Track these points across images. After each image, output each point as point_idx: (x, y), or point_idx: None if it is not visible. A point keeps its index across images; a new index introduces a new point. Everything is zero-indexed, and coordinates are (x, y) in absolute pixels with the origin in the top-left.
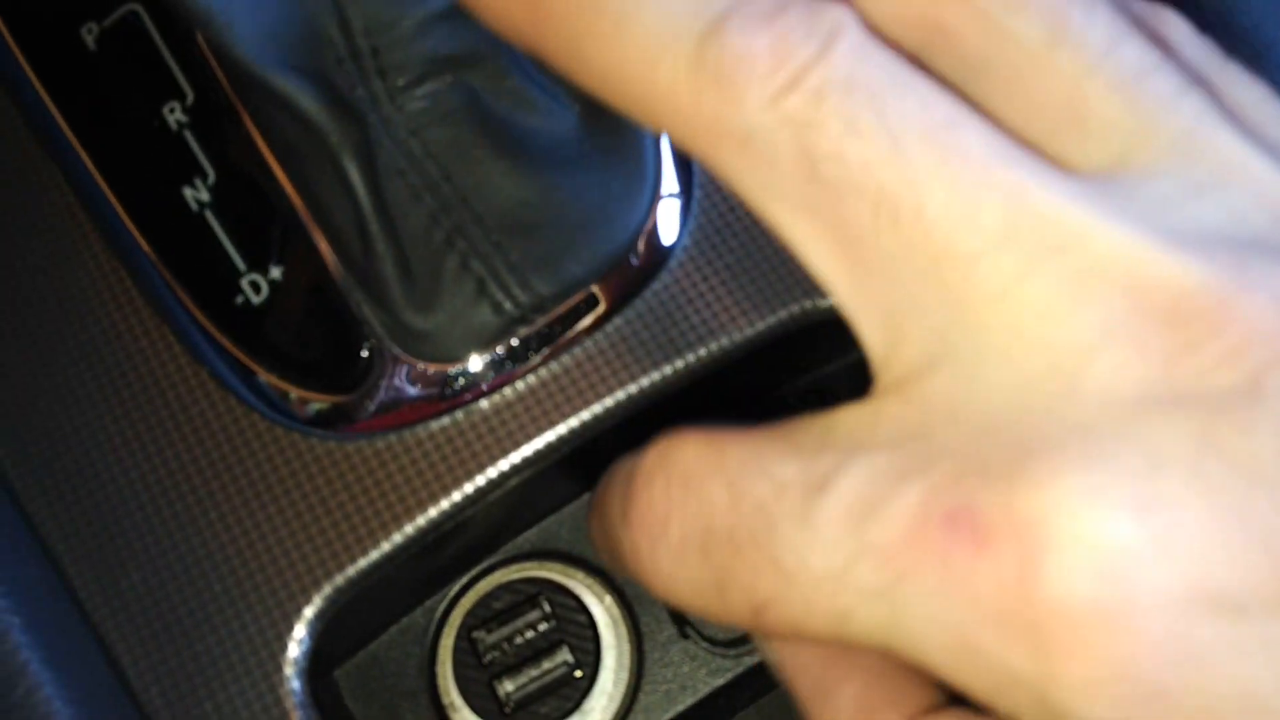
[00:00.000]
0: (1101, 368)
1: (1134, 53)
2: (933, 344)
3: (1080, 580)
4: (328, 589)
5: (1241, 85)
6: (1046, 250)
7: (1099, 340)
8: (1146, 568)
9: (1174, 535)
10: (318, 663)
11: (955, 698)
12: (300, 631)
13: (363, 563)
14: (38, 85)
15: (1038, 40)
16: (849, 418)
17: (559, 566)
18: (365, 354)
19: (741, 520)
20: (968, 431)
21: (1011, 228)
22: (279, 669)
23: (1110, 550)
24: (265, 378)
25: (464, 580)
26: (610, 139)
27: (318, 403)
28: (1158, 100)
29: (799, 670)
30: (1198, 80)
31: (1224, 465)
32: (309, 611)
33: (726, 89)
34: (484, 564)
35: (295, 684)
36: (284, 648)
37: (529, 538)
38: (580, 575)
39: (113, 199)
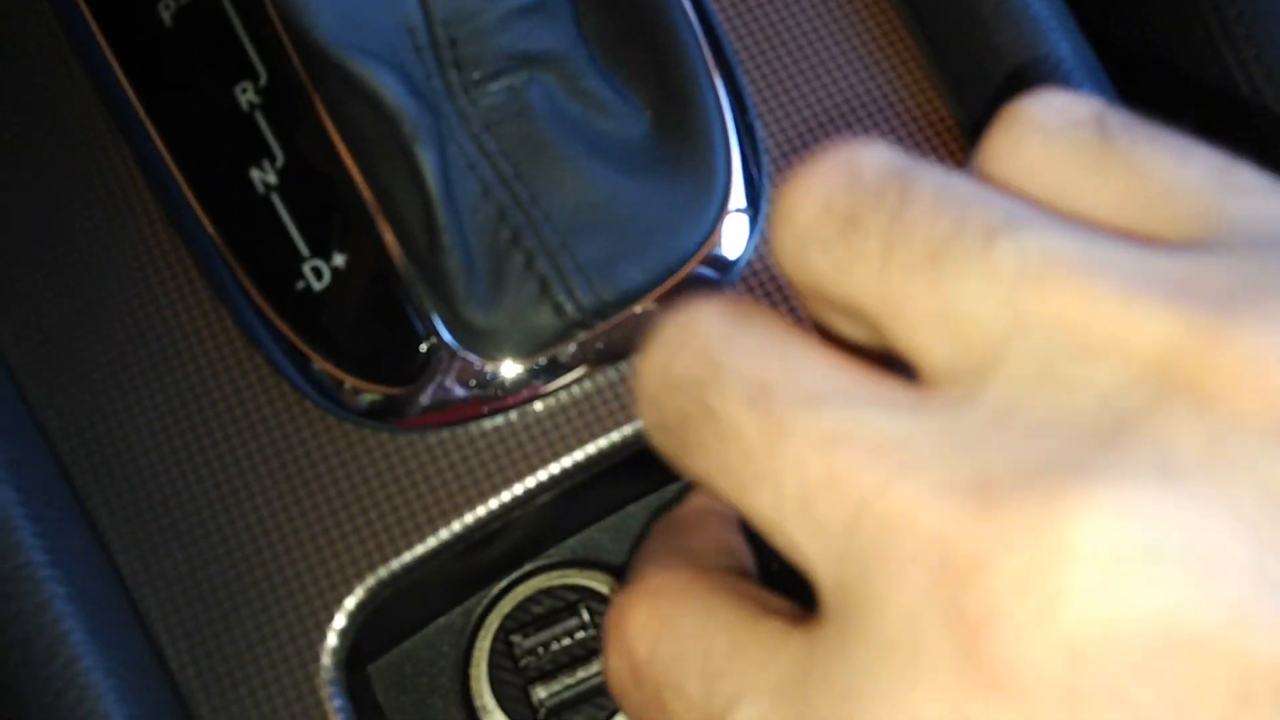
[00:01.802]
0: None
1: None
2: (828, 601)
3: None
4: (370, 581)
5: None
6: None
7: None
8: None
9: None
10: (354, 655)
11: None
12: (340, 622)
13: (407, 557)
14: (111, 59)
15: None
16: (755, 639)
17: (600, 575)
18: (423, 348)
19: (665, 684)
20: (836, 710)
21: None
22: (316, 658)
23: None
24: (320, 365)
25: (504, 583)
26: (681, 148)
27: (371, 394)
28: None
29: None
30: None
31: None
32: (350, 603)
33: None
34: (525, 568)
35: (332, 674)
36: (323, 637)
37: (571, 545)
38: (621, 586)
39: (178, 176)
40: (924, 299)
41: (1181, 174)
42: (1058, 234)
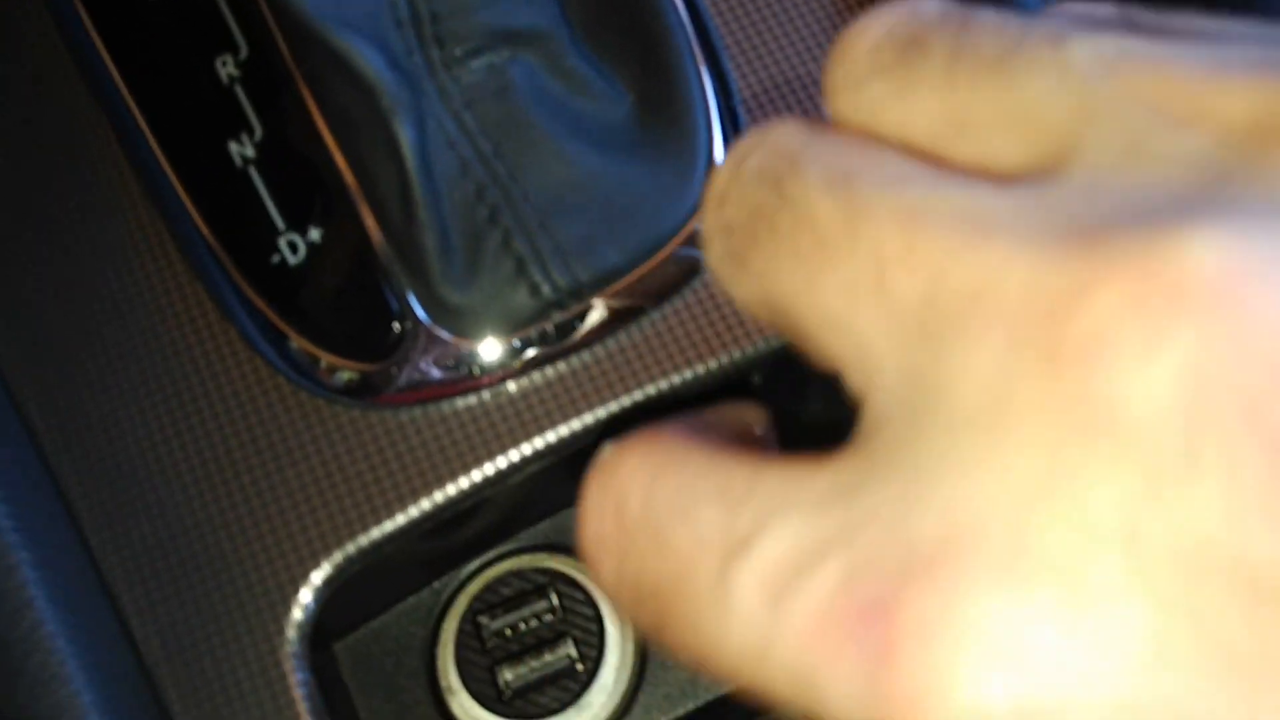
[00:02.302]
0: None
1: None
2: (888, 402)
3: (995, 695)
4: (338, 556)
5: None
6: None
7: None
8: (1072, 688)
9: (1108, 649)
10: (320, 631)
11: None
12: (306, 596)
13: (375, 533)
14: (91, 29)
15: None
16: (783, 468)
17: (570, 560)
18: (397, 325)
19: (666, 573)
20: (895, 506)
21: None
22: (281, 632)
23: (1031, 666)
24: (296, 341)
25: (473, 565)
26: (663, 130)
27: (346, 371)
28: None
29: None
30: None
31: (1161, 549)
32: (316, 577)
33: None
34: (495, 550)
35: (296, 648)
36: (288, 611)
37: (542, 529)
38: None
39: (156, 148)
40: (993, 102)
41: None
42: (1130, 36)
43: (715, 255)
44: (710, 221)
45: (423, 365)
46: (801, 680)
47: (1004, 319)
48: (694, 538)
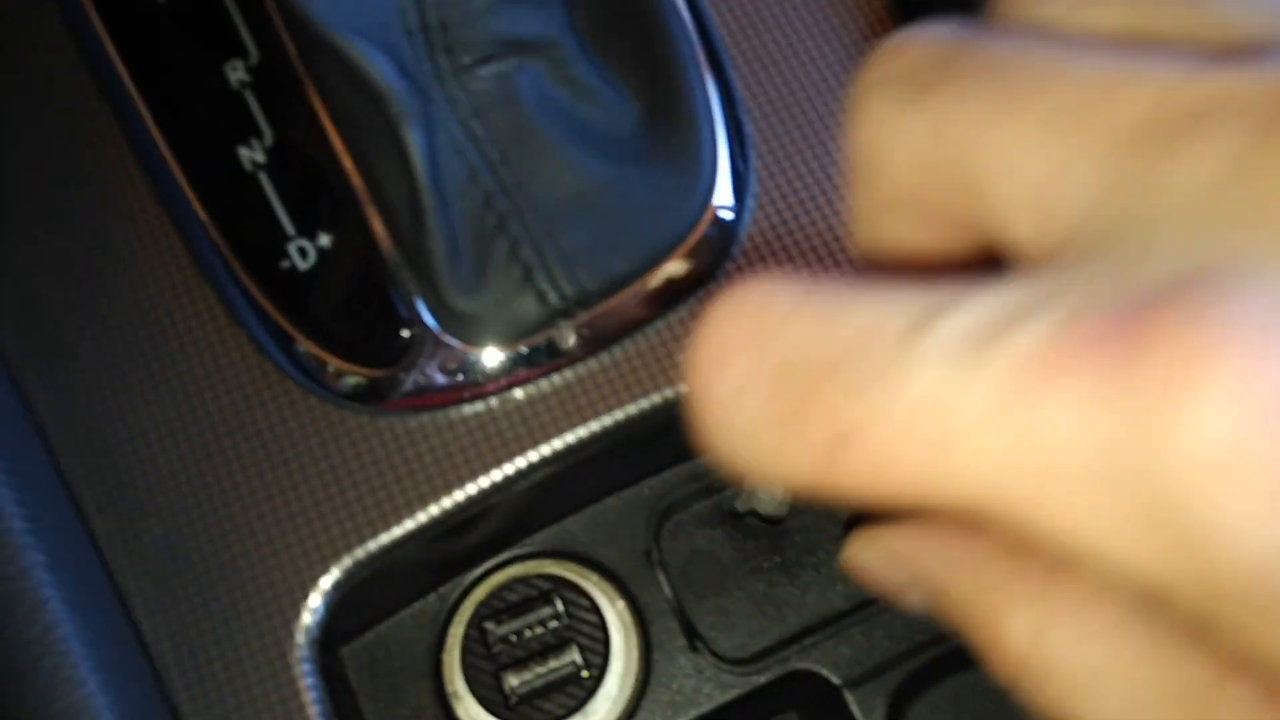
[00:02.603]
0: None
1: None
2: (1087, 216)
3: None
4: (347, 562)
5: None
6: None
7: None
8: None
9: None
10: (327, 636)
11: None
12: (315, 601)
13: (384, 539)
14: (103, 34)
15: None
16: (976, 280)
17: (575, 566)
18: (406, 332)
19: (827, 352)
20: (1121, 265)
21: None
22: (291, 636)
23: None
24: (304, 345)
25: (479, 571)
26: (668, 140)
27: (354, 376)
28: None
29: (922, 545)
30: None
31: None
32: (325, 582)
33: None
34: (500, 556)
35: (305, 652)
36: (298, 615)
37: (546, 535)
38: (595, 578)
39: (166, 152)
40: (1178, 16)
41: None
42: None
43: (879, 101)
44: (876, 74)
45: (430, 371)
46: (997, 418)
47: (1245, 120)
48: (867, 316)
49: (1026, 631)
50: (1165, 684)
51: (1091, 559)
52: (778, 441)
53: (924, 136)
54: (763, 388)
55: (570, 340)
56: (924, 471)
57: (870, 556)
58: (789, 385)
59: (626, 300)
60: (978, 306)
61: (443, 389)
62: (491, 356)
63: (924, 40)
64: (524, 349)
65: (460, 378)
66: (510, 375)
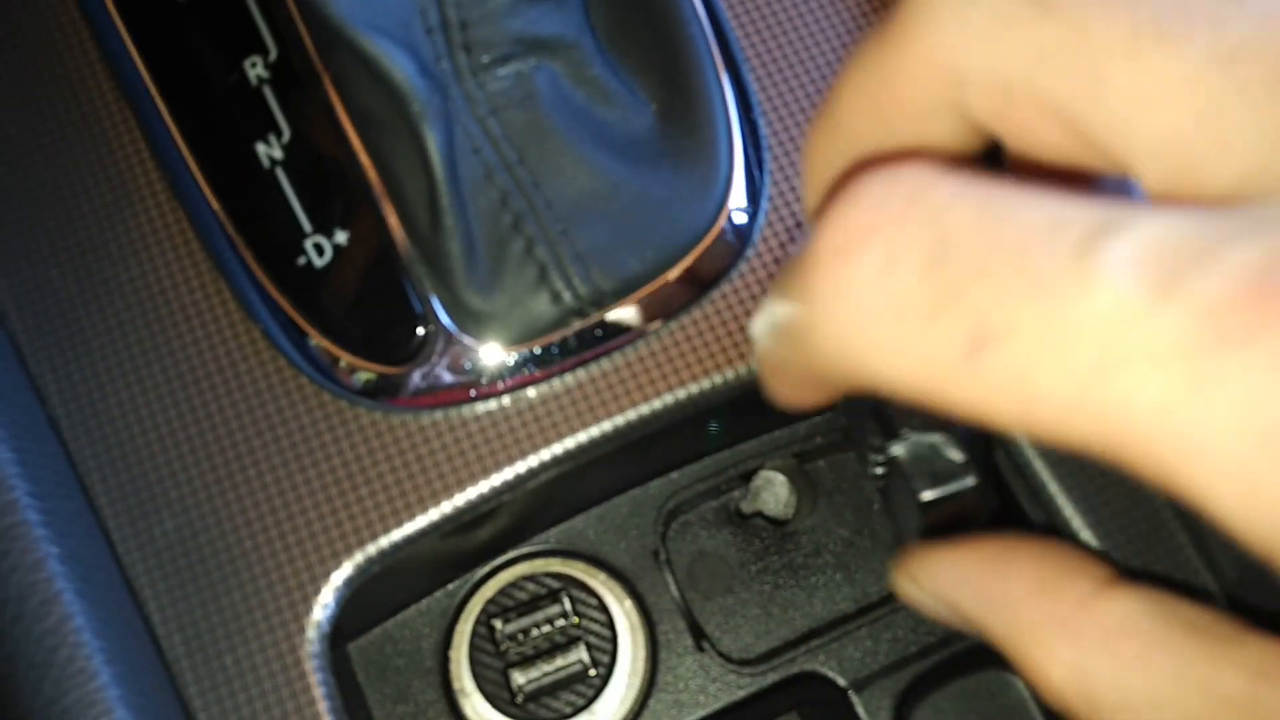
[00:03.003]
0: None
1: None
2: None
3: None
4: (359, 557)
5: None
6: None
7: None
8: None
9: None
10: (337, 631)
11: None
12: (327, 597)
13: (396, 535)
14: (122, 30)
15: None
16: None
17: (582, 565)
18: (420, 329)
19: (993, 244)
20: None
21: None
22: (302, 631)
23: None
24: (317, 340)
25: (487, 568)
26: (684, 141)
27: (367, 372)
28: None
29: (959, 583)
30: None
31: None
32: (337, 578)
33: None
34: (508, 554)
35: (317, 648)
36: (309, 610)
37: (554, 533)
38: (603, 577)
39: (184, 148)
40: None
41: None
42: None
43: (978, 5)
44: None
45: (444, 369)
46: (1180, 358)
47: None
48: (1041, 218)
49: (1068, 665)
50: (1207, 697)
51: (1251, 536)
52: (918, 329)
53: (1035, 54)
54: (913, 267)
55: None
56: (1071, 394)
57: (913, 592)
58: (943, 270)
59: (640, 301)
60: (1165, 229)
61: (456, 387)
62: (505, 355)
63: None
64: (537, 348)
65: (473, 376)
66: (523, 374)
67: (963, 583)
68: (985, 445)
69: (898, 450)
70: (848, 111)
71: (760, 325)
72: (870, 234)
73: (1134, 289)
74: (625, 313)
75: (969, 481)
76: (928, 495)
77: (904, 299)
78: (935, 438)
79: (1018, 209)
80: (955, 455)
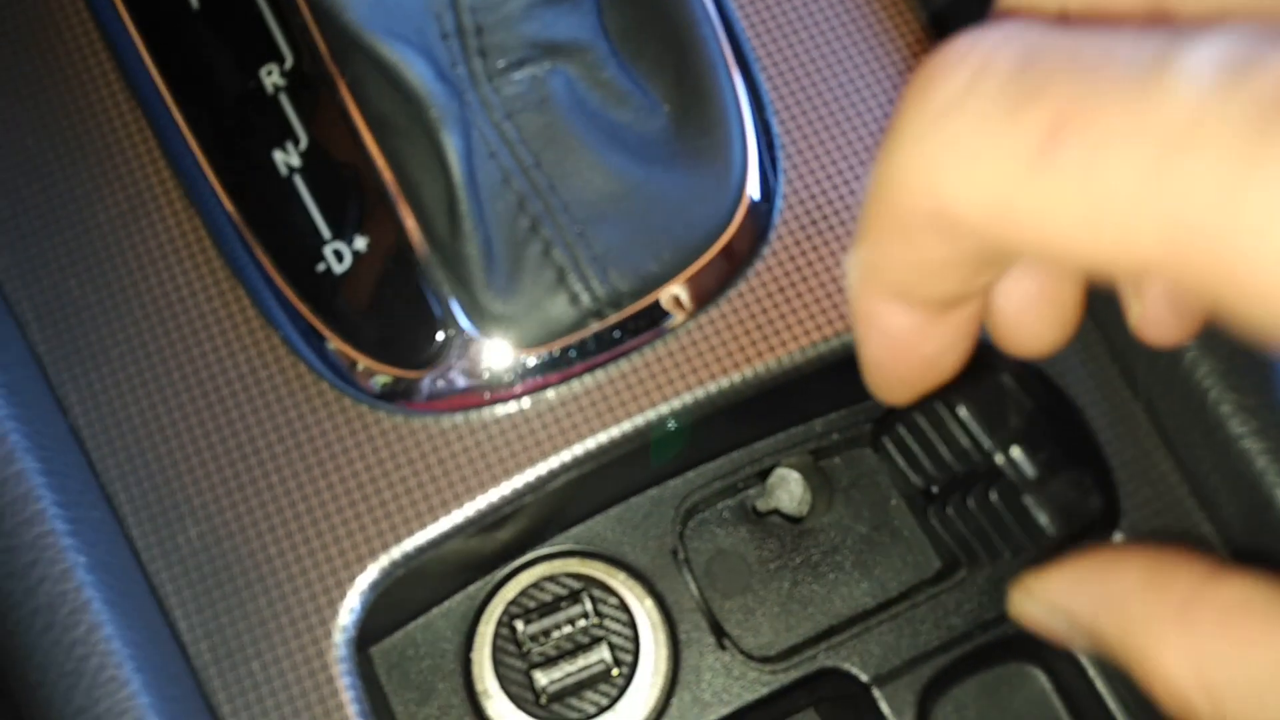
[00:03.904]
0: None
1: None
2: None
3: None
4: (384, 561)
5: None
6: None
7: None
8: None
9: None
10: (360, 635)
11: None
12: (353, 600)
13: (420, 538)
14: (137, 40)
15: None
16: None
17: (602, 565)
18: (440, 333)
19: (1077, 48)
20: None
21: None
22: (328, 635)
23: None
24: (337, 345)
25: (506, 570)
26: (698, 141)
27: (387, 376)
28: None
29: (1069, 591)
30: None
31: None
32: (362, 581)
33: None
34: (527, 556)
35: (343, 652)
36: (335, 614)
37: (573, 534)
38: (622, 576)
39: (200, 157)
40: None
41: None
42: None
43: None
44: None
45: (464, 372)
46: (1244, 157)
47: None
48: (1126, 33)
49: (1185, 653)
50: None
51: None
52: (996, 128)
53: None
54: (1000, 74)
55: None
56: (1135, 186)
57: (1031, 608)
58: (1028, 72)
59: (658, 301)
60: (1239, 36)
61: (475, 390)
62: (524, 358)
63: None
64: (556, 350)
65: (493, 379)
66: (543, 376)
67: (1075, 590)
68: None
69: (1019, 462)
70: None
71: (850, 257)
72: (962, 59)
73: (1206, 79)
74: (642, 313)
75: (1094, 506)
76: (1057, 530)
77: (987, 103)
78: (1043, 455)
79: (1103, 33)
80: (1077, 481)
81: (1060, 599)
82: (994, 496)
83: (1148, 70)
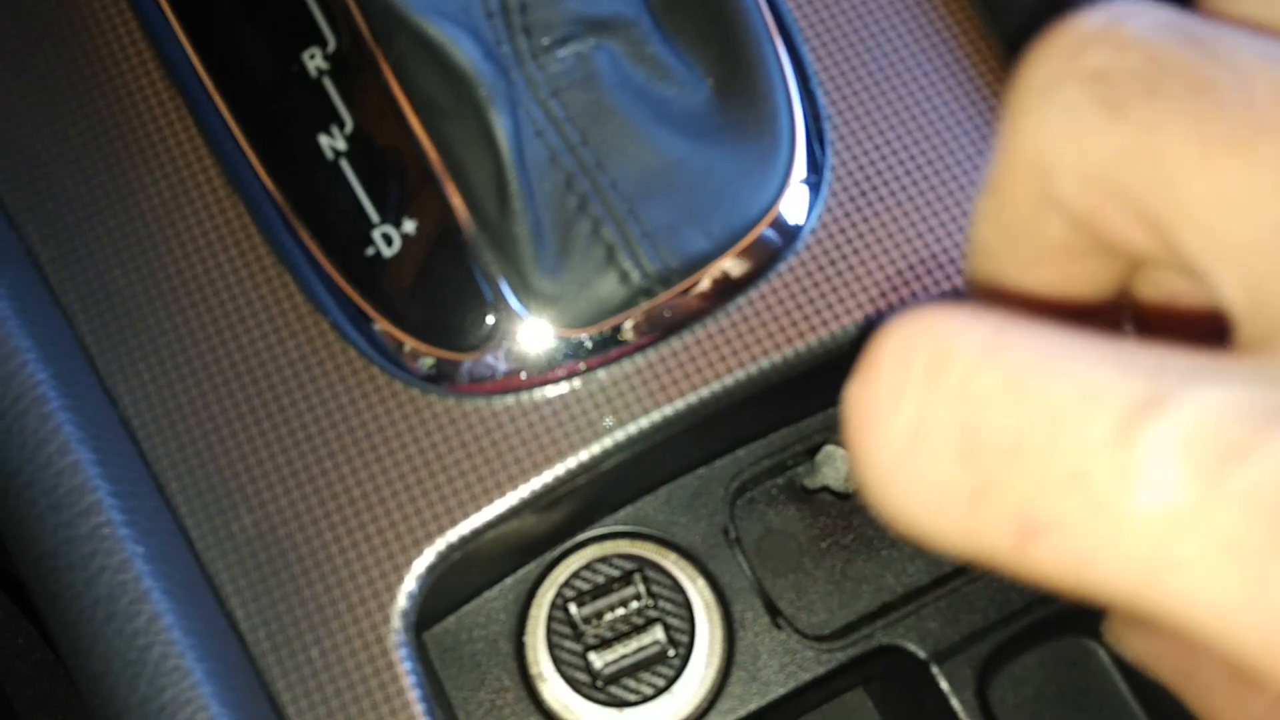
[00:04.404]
0: None
1: None
2: None
3: None
4: (440, 544)
5: None
6: None
7: None
8: None
9: None
10: (418, 619)
11: None
12: (410, 584)
13: (476, 520)
14: (178, 28)
15: None
16: (1191, 355)
17: (653, 545)
18: (491, 315)
19: (1024, 422)
20: None
21: None
22: (387, 621)
23: None
24: (387, 328)
25: (557, 552)
26: (745, 114)
27: (438, 359)
28: None
29: (1158, 655)
30: None
31: None
32: (419, 565)
33: None
34: (578, 538)
35: (402, 636)
36: (393, 599)
37: (622, 515)
38: (674, 556)
39: (244, 143)
40: None
41: None
42: None
43: (1060, 103)
44: (1053, 68)
45: (515, 353)
46: (1245, 558)
47: None
48: (1078, 389)
49: None
50: None
51: None
52: (960, 511)
53: (1112, 154)
54: (944, 444)
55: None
56: (1130, 585)
57: (1122, 645)
58: (975, 449)
59: (708, 277)
60: (1212, 400)
61: (526, 371)
62: (575, 337)
63: (1116, 36)
64: (607, 329)
65: (543, 359)
66: (595, 356)
67: (1163, 656)
68: None
69: None
70: (981, 226)
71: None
72: (896, 397)
73: (1180, 482)
74: (693, 290)
75: None
76: None
77: (940, 476)
78: None
79: (1049, 376)
80: None
81: (1145, 655)
82: None
83: (1110, 458)
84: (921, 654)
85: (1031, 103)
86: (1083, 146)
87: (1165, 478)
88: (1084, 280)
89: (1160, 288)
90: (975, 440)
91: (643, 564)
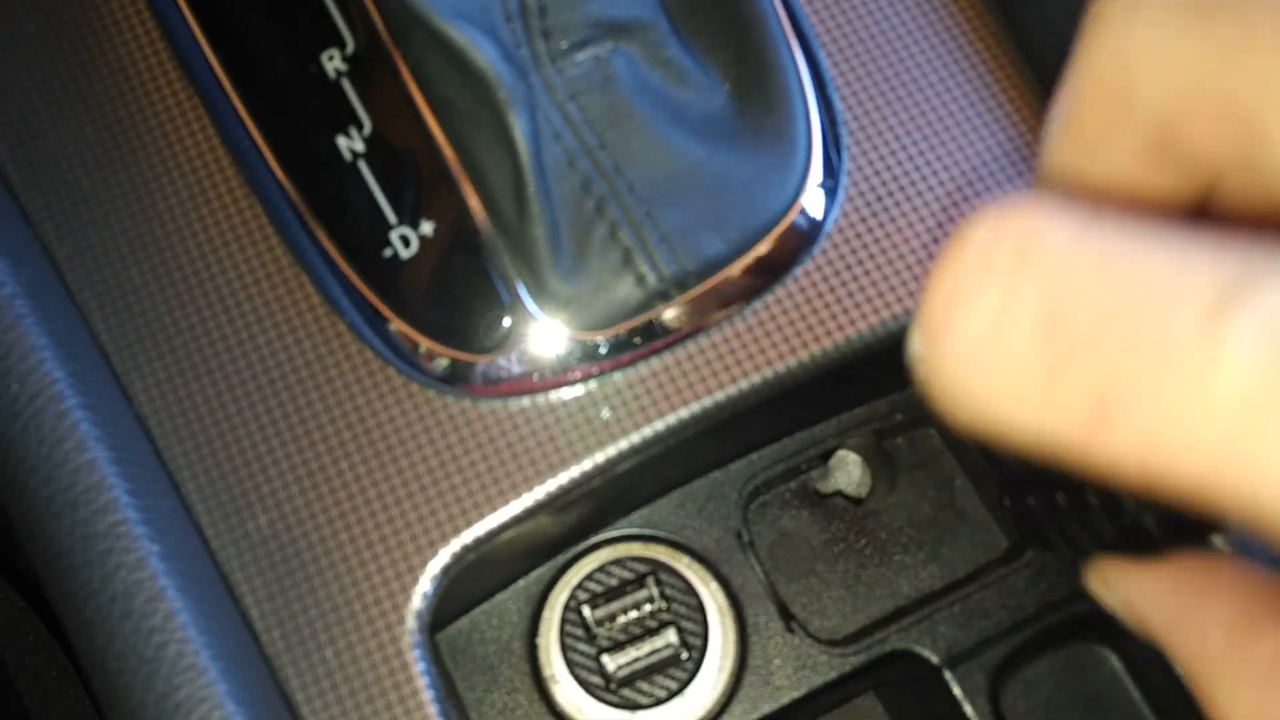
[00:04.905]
0: None
1: None
2: None
3: None
4: (455, 545)
5: None
6: None
7: None
8: None
9: None
10: (432, 620)
11: None
12: (425, 585)
13: (492, 522)
14: (196, 29)
15: None
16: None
17: (665, 549)
18: (508, 317)
19: (1112, 303)
20: None
21: None
22: (402, 621)
23: None
24: (403, 329)
25: (569, 555)
26: (761, 119)
27: (455, 360)
28: None
29: (1152, 604)
30: None
31: None
32: (434, 565)
33: None
34: (590, 540)
35: (416, 637)
36: (408, 600)
37: (635, 518)
38: (686, 560)
39: (262, 144)
40: None
41: None
42: None
43: (1149, 13)
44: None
45: (532, 355)
46: None
47: None
48: (1165, 272)
49: (1256, 714)
50: None
51: None
52: (1036, 392)
53: (1201, 63)
54: (1027, 326)
55: (669, 323)
56: (1202, 465)
57: (1104, 595)
58: (1059, 329)
59: (724, 281)
60: None
61: (544, 373)
62: (591, 340)
63: None
64: (623, 332)
65: (559, 362)
66: (610, 359)
67: (1157, 604)
68: None
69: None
70: (1056, 142)
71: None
72: (981, 283)
73: (1263, 369)
74: (710, 293)
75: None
76: (1165, 539)
77: (1020, 357)
78: None
79: (1139, 261)
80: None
81: (1139, 601)
82: (1093, 500)
83: (1194, 340)
84: (934, 659)
85: (1117, 13)
86: (1170, 52)
87: (1249, 363)
88: (1159, 197)
89: (1235, 201)
90: (1059, 322)
91: (656, 567)
